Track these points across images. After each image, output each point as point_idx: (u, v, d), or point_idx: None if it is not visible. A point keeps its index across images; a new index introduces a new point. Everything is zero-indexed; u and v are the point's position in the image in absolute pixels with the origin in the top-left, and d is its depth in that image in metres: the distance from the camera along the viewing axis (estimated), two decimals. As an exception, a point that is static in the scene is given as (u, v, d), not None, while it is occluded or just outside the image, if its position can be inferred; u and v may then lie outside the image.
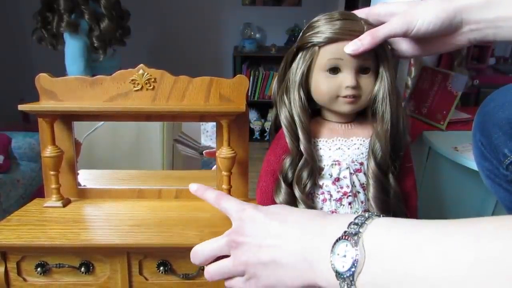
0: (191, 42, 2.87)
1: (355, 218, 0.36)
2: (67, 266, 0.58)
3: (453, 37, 0.52)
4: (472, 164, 1.28)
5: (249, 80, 2.75)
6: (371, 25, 0.55)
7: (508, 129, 0.54)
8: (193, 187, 0.54)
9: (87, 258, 0.57)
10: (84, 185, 0.73)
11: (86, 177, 0.79)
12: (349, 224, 0.36)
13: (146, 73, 0.66)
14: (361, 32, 0.54)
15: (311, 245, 0.37)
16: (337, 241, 0.35)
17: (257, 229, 0.43)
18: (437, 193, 1.49)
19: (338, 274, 0.33)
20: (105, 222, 0.63)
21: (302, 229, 0.40)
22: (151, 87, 0.66)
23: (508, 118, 0.53)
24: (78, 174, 0.72)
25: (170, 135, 0.95)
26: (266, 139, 2.85)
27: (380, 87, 0.57)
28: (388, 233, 0.33)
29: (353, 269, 0.32)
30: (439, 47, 0.54)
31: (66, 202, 0.69)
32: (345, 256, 0.33)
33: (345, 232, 0.35)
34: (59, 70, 1.64)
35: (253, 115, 2.84)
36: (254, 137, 2.85)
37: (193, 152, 0.94)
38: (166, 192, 0.72)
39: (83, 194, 0.72)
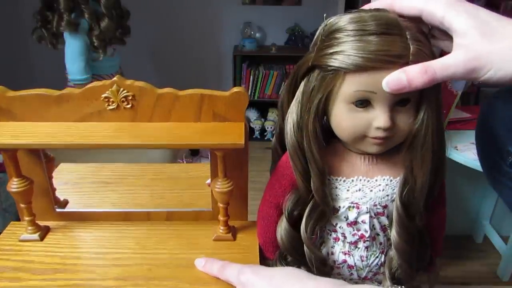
0: (191, 41, 2.87)
1: None
2: None
3: None
4: (472, 164, 1.28)
5: (249, 80, 2.76)
6: (420, 43, 0.40)
7: None
8: (200, 264, 0.52)
9: None
10: (64, 199, 0.66)
11: (66, 180, 0.71)
12: None
13: (121, 89, 0.53)
14: (405, 57, 0.39)
15: None
16: None
17: None
18: (437, 192, 1.49)
19: None
20: (88, 273, 0.54)
21: None
22: (129, 105, 0.54)
23: (511, 115, 0.53)
24: (55, 190, 0.64)
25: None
26: (266, 138, 2.85)
27: (422, 123, 0.43)
28: None
29: None
30: (500, 86, 0.45)
31: (43, 234, 0.60)
32: None
33: None
34: (59, 69, 1.65)
35: (253, 115, 2.85)
36: (254, 137, 2.85)
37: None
38: (155, 215, 0.64)
39: (63, 215, 0.64)
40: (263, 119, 2.89)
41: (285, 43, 2.88)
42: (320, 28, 0.45)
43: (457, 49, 0.38)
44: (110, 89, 0.53)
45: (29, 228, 0.59)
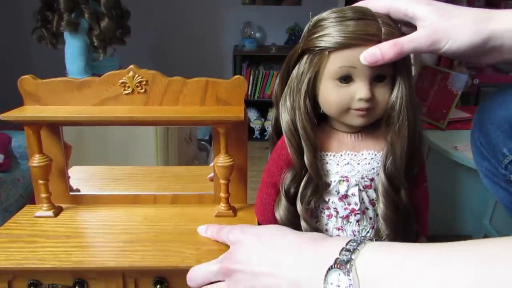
0: (191, 41, 2.87)
1: (347, 244, 0.35)
2: (60, 286, 0.54)
3: (480, 57, 0.48)
4: (472, 163, 1.27)
5: (249, 80, 2.76)
6: (390, 26, 0.48)
7: (507, 128, 0.53)
8: (202, 230, 0.58)
9: (81, 277, 0.54)
10: (77, 188, 0.70)
11: (79, 177, 0.75)
12: (341, 250, 0.35)
13: (137, 75, 0.61)
14: (378, 36, 0.47)
15: (305, 274, 0.37)
16: (329, 269, 0.34)
17: (248, 255, 0.43)
18: (437, 192, 1.49)
19: None
20: (98, 238, 0.59)
21: (295, 256, 0.39)
22: (143, 90, 0.62)
23: (507, 117, 0.53)
24: (69, 177, 0.68)
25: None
26: (266, 138, 2.85)
27: (397, 97, 0.50)
28: (383, 260, 0.33)
29: None
30: (461, 57, 0.51)
31: (57, 211, 0.65)
32: (338, 286, 0.33)
33: (336, 259, 0.34)
34: (59, 69, 1.65)
35: (253, 114, 2.84)
36: (254, 136, 2.85)
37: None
38: (161, 198, 0.69)
39: (75, 199, 0.69)
40: (263, 119, 2.89)
41: (285, 43, 2.88)
42: (307, 24, 0.53)
43: (420, 29, 0.47)
44: (127, 75, 0.61)
45: (45, 205, 0.65)
